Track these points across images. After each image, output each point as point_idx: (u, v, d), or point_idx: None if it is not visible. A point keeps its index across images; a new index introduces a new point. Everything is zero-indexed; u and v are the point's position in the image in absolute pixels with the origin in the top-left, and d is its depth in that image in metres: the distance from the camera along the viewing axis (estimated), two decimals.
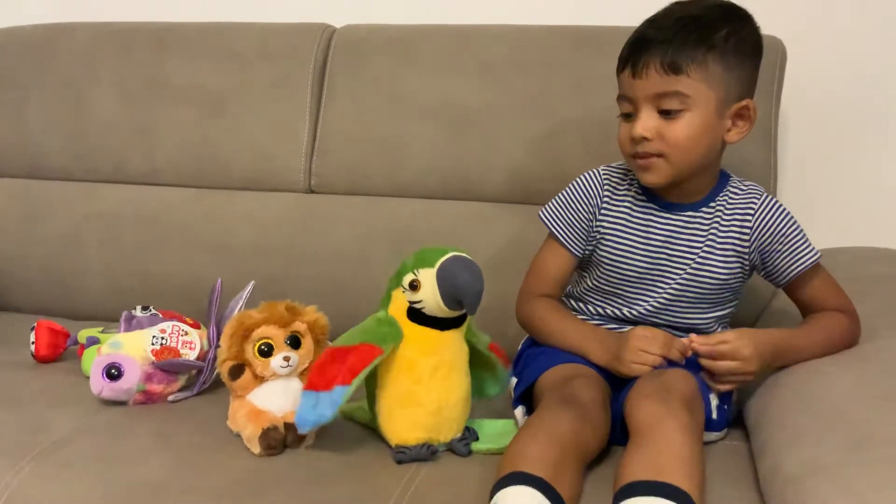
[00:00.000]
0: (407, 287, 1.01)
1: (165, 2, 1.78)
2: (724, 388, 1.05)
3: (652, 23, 1.07)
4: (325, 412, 0.98)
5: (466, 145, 1.47)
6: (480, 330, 1.10)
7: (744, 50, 1.06)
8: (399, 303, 1.03)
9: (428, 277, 0.99)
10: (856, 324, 1.10)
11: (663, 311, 1.14)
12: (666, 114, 1.05)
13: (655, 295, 1.14)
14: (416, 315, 1.02)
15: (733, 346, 1.02)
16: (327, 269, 1.49)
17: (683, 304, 1.14)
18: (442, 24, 1.54)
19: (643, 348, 1.05)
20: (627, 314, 1.15)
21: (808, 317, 1.13)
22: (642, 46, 1.05)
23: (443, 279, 0.99)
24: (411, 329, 1.02)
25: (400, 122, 1.50)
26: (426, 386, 1.02)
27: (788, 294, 1.16)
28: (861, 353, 1.06)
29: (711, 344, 1.03)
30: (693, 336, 1.05)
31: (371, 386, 1.06)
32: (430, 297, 1.00)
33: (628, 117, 1.09)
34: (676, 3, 1.08)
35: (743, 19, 1.07)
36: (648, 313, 1.14)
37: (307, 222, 1.53)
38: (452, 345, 1.04)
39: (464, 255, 1.01)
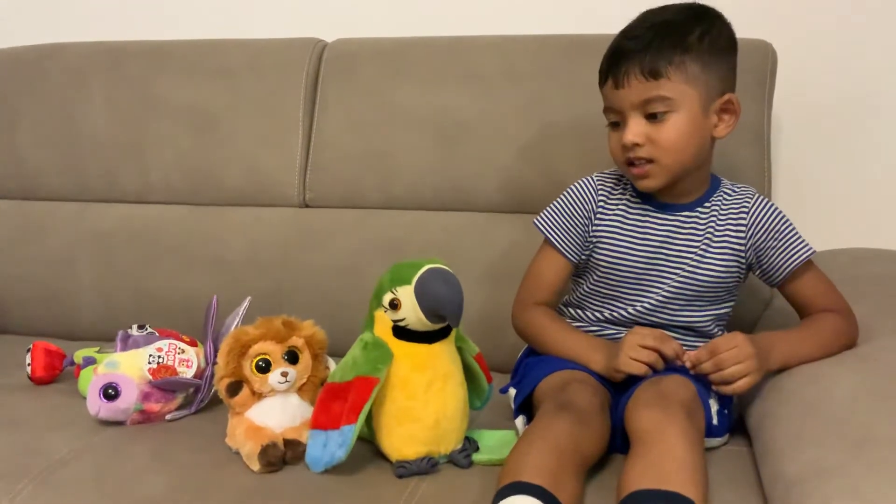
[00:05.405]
0: (388, 306, 1.00)
1: (155, 20, 1.79)
2: (738, 389, 1.02)
3: (626, 33, 1.09)
4: (337, 453, 0.97)
5: (459, 156, 1.47)
6: (471, 340, 1.09)
7: (718, 47, 1.08)
8: (383, 322, 1.02)
9: (406, 295, 0.98)
10: (853, 325, 1.10)
11: (660, 310, 1.14)
12: (653, 118, 1.06)
13: (653, 294, 1.14)
14: (402, 332, 1.01)
15: (733, 351, 1.01)
16: (323, 283, 1.49)
17: (681, 303, 1.14)
18: (432, 36, 1.54)
19: (639, 343, 1.05)
20: (626, 314, 1.16)
21: (805, 319, 1.13)
22: (620, 58, 1.07)
23: (421, 295, 0.97)
24: (400, 347, 1.01)
25: (393, 134, 1.50)
26: (422, 401, 1.01)
27: (784, 294, 1.16)
28: (860, 354, 1.05)
29: (712, 359, 1.02)
30: (689, 355, 1.04)
31: None
32: (411, 314, 0.99)
33: (616, 126, 1.10)
34: (648, 11, 1.10)
35: (713, 18, 1.09)
36: (646, 311, 1.15)
37: (302, 237, 1.53)
38: (443, 356, 1.03)
39: (439, 266, 1.00)
